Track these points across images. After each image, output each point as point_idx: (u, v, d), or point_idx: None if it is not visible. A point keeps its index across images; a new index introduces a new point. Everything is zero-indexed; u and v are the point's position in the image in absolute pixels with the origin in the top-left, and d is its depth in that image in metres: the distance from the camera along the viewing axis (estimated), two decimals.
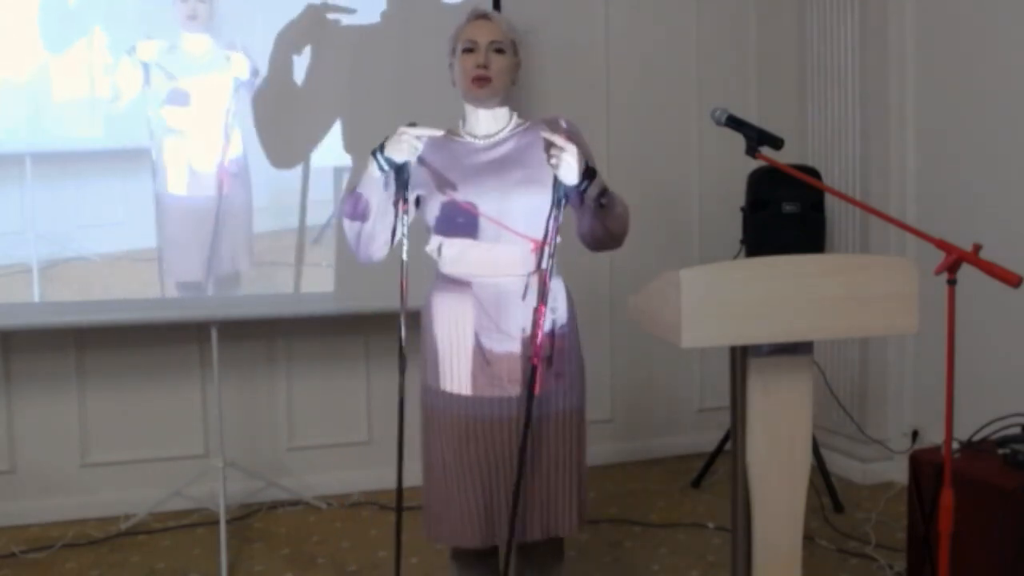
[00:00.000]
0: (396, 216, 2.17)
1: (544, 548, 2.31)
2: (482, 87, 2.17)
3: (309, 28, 3.62)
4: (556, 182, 2.08)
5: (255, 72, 3.57)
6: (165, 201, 3.54)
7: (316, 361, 4.02)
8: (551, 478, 2.20)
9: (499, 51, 2.18)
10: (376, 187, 2.15)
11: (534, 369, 2.10)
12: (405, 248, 2.18)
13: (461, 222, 2.16)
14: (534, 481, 2.19)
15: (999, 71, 3.46)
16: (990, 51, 3.50)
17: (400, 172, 2.13)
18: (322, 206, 3.73)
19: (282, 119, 3.63)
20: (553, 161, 2.04)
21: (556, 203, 2.10)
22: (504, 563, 2.23)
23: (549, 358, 2.17)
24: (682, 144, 4.42)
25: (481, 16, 2.23)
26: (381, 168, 2.12)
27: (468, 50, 2.18)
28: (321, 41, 3.64)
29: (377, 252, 2.24)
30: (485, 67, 2.16)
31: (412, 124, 2.11)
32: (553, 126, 2.16)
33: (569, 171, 2.04)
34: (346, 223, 2.21)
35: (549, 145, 2.06)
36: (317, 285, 3.76)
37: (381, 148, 2.12)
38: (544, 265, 2.14)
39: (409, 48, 3.71)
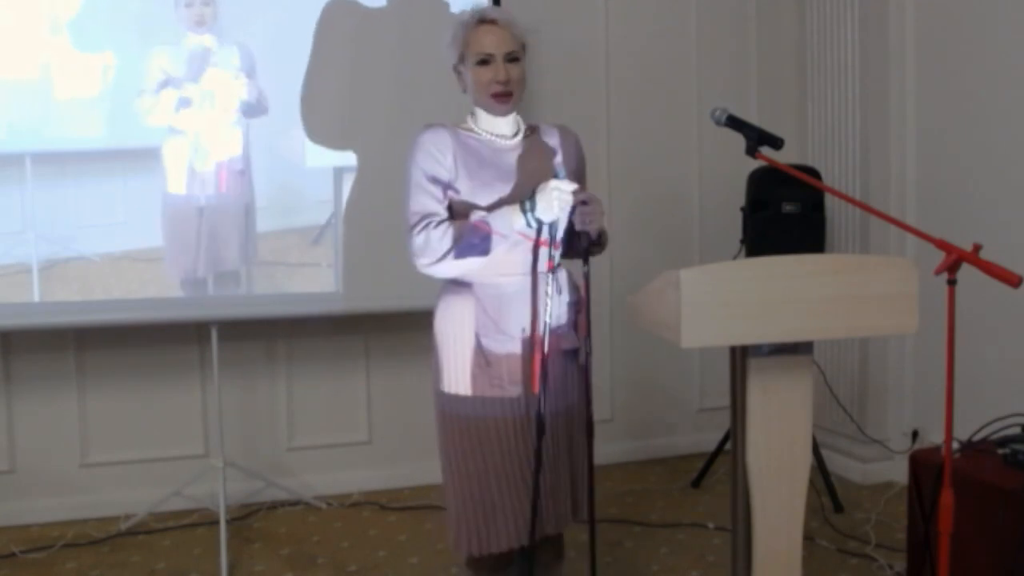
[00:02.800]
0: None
1: (546, 547, 2.30)
2: (504, 102, 2.16)
3: (311, 28, 3.63)
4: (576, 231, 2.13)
5: (256, 72, 3.57)
6: (166, 200, 3.54)
7: (316, 361, 4.02)
8: (574, 467, 2.24)
9: (514, 60, 2.15)
10: (512, 235, 2.11)
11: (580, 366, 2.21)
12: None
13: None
14: (562, 473, 2.21)
15: (999, 71, 3.46)
16: (990, 51, 3.49)
17: (552, 229, 2.14)
18: (322, 206, 3.73)
19: (284, 119, 3.63)
20: (588, 220, 2.07)
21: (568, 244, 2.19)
22: (529, 563, 2.22)
23: (575, 351, 2.22)
24: (682, 144, 4.42)
25: (489, 21, 2.15)
26: (529, 224, 2.10)
27: (484, 62, 2.13)
28: (323, 40, 3.64)
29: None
30: (506, 82, 2.13)
31: (557, 176, 2.08)
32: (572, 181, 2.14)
33: (596, 225, 2.10)
34: (462, 258, 2.12)
35: (581, 203, 2.07)
36: (317, 285, 3.76)
37: (532, 205, 2.07)
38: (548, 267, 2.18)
39: (410, 47, 3.71)
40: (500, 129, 2.22)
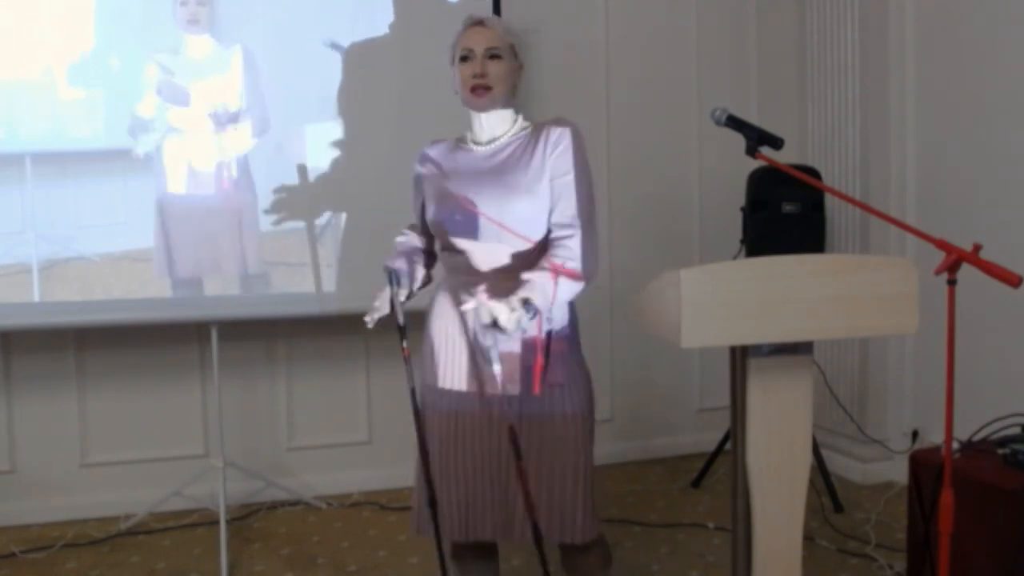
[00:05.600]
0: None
1: (585, 553, 2.27)
2: (480, 96, 2.18)
3: (311, 26, 3.63)
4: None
5: (256, 74, 3.58)
6: (166, 201, 3.54)
7: (316, 361, 4.02)
8: (549, 481, 2.16)
9: (495, 57, 2.18)
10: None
11: (531, 370, 2.11)
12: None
13: (459, 220, 2.17)
14: (529, 482, 2.15)
15: (999, 71, 3.46)
16: (990, 51, 3.49)
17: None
18: (322, 206, 3.72)
19: (284, 119, 3.63)
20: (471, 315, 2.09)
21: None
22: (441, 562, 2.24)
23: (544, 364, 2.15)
24: (682, 144, 4.42)
25: (477, 23, 2.22)
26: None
27: (465, 58, 2.19)
28: (324, 43, 3.65)
29: None
30: (482, 75, 2.16)
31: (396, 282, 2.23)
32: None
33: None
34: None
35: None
36: (317, 285, 3.75)
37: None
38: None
39: (412, 51, 3.71)
40: (483, 135, 2.24)
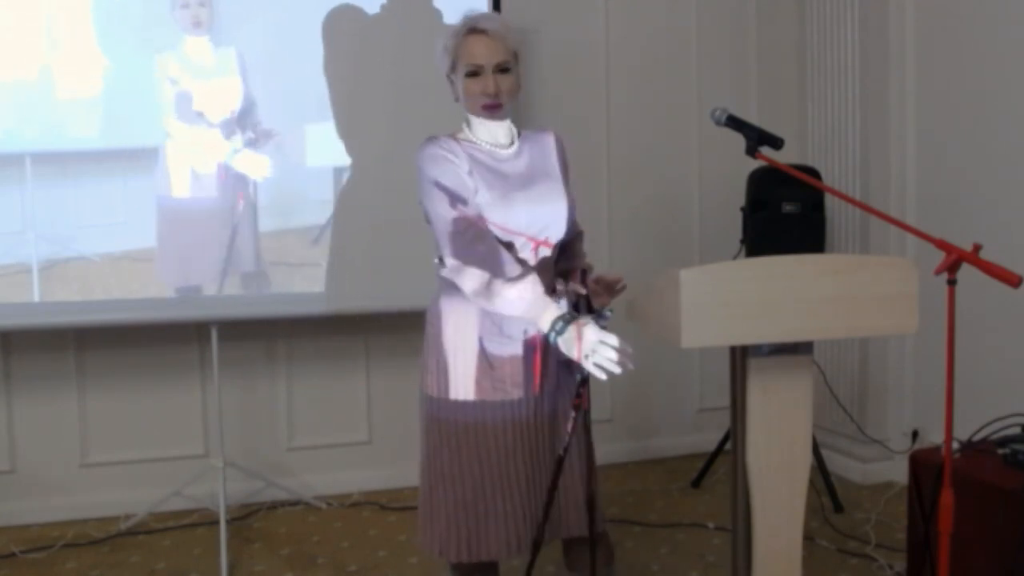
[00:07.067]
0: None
1: (594, 548, 2.26)
2: (494, 113, 2.13)
3: (311, 28, 3.64)
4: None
5: (256, 74, 3.58)
6: (167, 202, 3.54)
7: (316, 361, 4.02)
8: (568, 477, 2.20)
9: (504, 70, 2.11)
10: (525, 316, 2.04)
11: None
12: None
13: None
14: (567, 479, 2.19)
15: (999, 71, 3.46)
16: (990, 51, 3.49)
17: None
18: (322, 206, 3.72)
19: (283, 119, 3.63)
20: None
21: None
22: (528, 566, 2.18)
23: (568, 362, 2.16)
24: (682, 144, 4.42)
25: (479, 32, 2.10)
26: (548, 340, 2.02)
27: (473, 73, 2.10)
28: (322, 40, 3.65)
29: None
30: (495, 93, 2.09)
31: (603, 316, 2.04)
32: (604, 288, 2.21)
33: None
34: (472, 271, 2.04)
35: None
36: (317, 285, 3.75)
37: (560, 331, 1.98)
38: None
39: (411, 51, 3.71)
40: (498, 138, 2.19)
